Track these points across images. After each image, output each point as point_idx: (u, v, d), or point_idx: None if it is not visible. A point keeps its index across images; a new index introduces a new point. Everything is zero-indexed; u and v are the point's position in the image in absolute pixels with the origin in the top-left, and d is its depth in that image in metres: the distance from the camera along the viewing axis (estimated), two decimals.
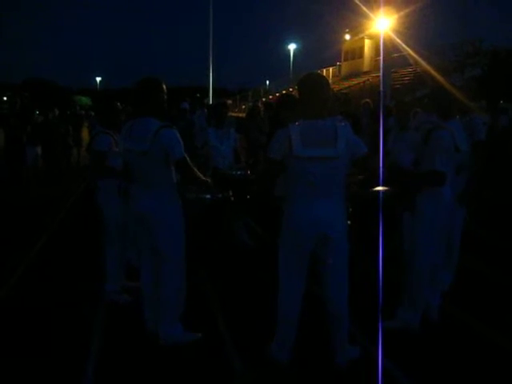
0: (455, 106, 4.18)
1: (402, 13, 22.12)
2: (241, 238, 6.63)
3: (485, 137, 4.87)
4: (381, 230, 3.62)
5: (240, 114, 29.54)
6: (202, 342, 4.04)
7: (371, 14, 21.07)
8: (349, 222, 4.04)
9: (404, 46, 22.32)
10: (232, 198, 4.66)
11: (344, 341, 3.64)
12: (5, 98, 47.51)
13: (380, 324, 3.61)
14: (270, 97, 42.35)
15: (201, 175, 3.91)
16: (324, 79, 3.57)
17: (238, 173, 6.05)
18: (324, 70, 45.98)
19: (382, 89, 14.11)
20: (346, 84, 39.40)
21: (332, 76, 46.03)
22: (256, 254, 6.21)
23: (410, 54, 23.88)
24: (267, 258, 4.02)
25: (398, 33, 21.01)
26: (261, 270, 5.39)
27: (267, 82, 55.59)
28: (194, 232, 4.73)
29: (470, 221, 5.03)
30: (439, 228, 4.13)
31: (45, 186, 11.78)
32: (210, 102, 34.29)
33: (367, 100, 10.09)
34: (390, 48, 19.34)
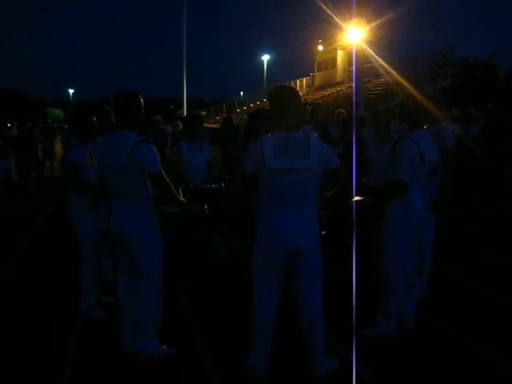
0: (424, 116, 4.24)
1: (374, 24, 22.42)
2: (216, 249, 6.61)
3: (453, 145, 4.95)
4: (354, 239, 3.64)
5: (214, 126, 29.54)
6: (178, 357, 4.01)
7: (344, 25, 21.30)
8: (323, 233, 4.06)
9: (376, 56, 22.63)
10: (206, 211, 4.64)
11: (321, 352, 3.63)
12: None
13: (354, 333, 3.62)
14: (244, 108, 42.53)
15: (176, 193, 3.89)
16: (295, 91, 3.60)
17: (212, 186, 6.03)
18: (298, 81, 46.47)
19: (354, 99, 14.23)
20: (320, 94, 39.84)
21: (305, 86, 46.53)
22: (233, 266, 6.20)
23: (381, 65, 24.22)
24: (244, 271, 4.02)
25: (371, 43, 21.29)
26: (238, 283, 5.38)
27: (241, 93, 55.86)
28: (170, 246, 4.70)
29: (445, 230, 5.10)
30: (410, 237, 4.18)
31: (18, 200, 11.60)
32: (185, 114, 34.27)
33: (341, 110, 10.18)
34: (363, 58, 19.56)
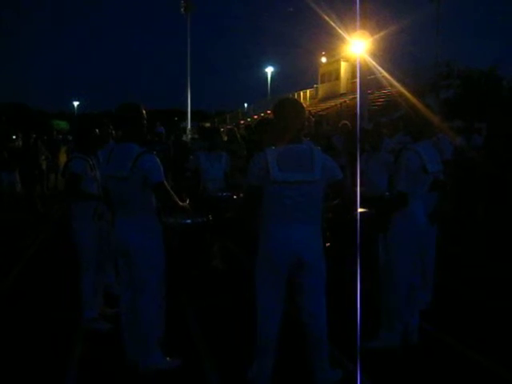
0: (428, 127, 4.25)
1: (377, 36, 22.50)
2: (214, 262, 6.60)
3: (452, 156, 4.95)
4: (358, 251, 3.64)
5: None
6: (182, 369, 4.00)
7: (347, 37, 21.38)
8: (327, 245, 4.06)
9: (379, 68, 22.69)
10: (211, 222, 4.66)
11: (324, 364, 3.62)
12: None
13: (358, 345, 3.61)
14: (249, 119, 42.65)
15: (178, 201, 3.90)
16: (299, 104, 3.62)
17: (224, 194, 6.11)
18: (301, 93, 46.60)
19: (358, 110, 14.25)
20: (324, 106, 39.94)
21: (309, 98, 46.65)
22: (236, 277, 6.19)
23: (385, 77, 24.27)
24: (247, 282, 4.02)
25: (374, 55, 21.34)
26: (241, 294, 5.37)
27: (245, 105, 56.02)
28: (174, 257, 4.70)
29: (444, 241, 5.10)
30: (413, 248, 4.18)
31: (22, 211, 11.63)
32: (189, 126, 34.37)
33: (345, 122, 10.18)
34: (366, 70, 19.62)
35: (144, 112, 3.93)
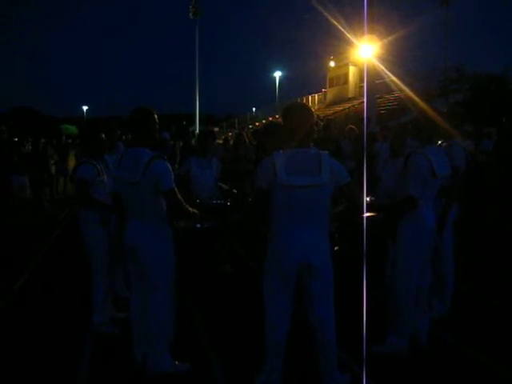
0: (437, 131, 4.23)
1: (385, 40, 22.54)
2: (222, 265, 6.59)
3: (462, 163, 4.84)
4: (365, 255, 3.63)
5: None
6: (190, 373, 4.00)
7: (355, 42, 21.40)
8: (336, 248, 4.05)
9: (388, 72, 22.68)
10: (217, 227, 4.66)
11: (333, 368, 3.61)
12: None
13: (365, 349, 3.60)
14: (257, 123, 42.69)
15: (188, 207, 3.91)
16: (308, 108, 3.62)
17: (218, 202, 6.05)
18: (310, 97, 46.63)
19: (365, 115, 14.23)
20: (332, 110, 39.92)
21: (317, 102, 46.67)
22: (244, 281, 6.20)
23: (393, 81, 24.27)
24: (255, 285, 4.02)
25: (382, 60, 21.34)
26: (249, 298, 5.37)
27: (253, 109, 56.10)
28: (183, 260, 4.70)
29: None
30: (422, 253, 4.16)
31: (31, 214, 11.70)
32: (197, 130, 34.47)
33: (351, 126, 10.18)
34: (374, 74, 19.60)
35: (156, 117, 3.94)
